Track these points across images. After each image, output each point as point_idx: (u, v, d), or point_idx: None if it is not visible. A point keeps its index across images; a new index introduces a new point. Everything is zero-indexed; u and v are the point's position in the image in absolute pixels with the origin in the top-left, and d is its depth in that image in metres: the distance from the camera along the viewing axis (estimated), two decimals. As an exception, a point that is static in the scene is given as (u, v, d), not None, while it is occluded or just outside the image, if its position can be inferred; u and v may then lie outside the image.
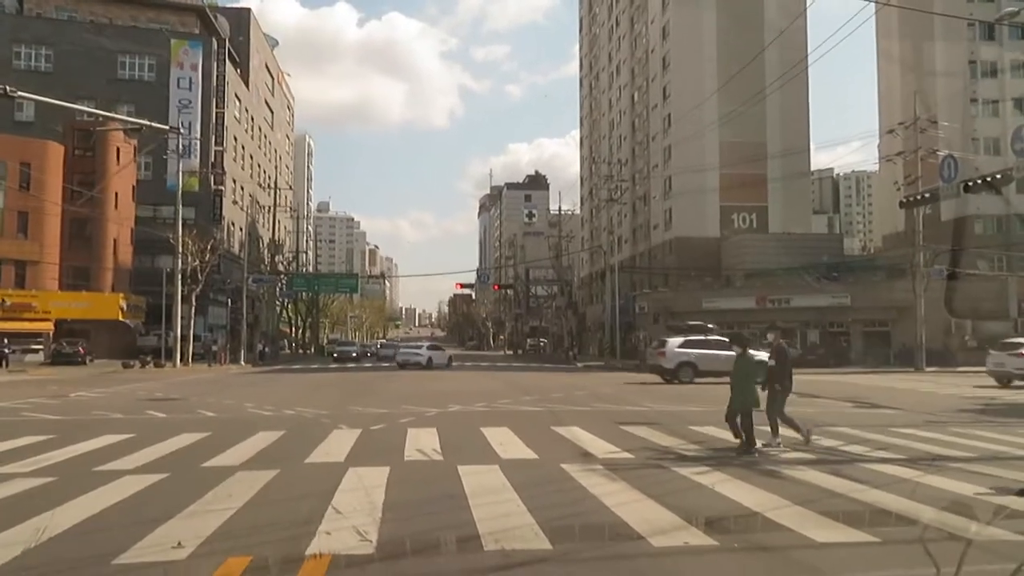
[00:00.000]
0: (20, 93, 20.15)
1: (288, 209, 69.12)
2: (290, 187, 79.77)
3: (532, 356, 68.77)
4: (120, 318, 43.18)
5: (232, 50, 59.11)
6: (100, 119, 41.37)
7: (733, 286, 50.03)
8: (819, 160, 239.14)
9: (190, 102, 51.62)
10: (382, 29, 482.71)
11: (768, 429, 10.40)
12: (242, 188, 62.14)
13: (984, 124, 53.03)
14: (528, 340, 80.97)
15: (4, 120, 46.43)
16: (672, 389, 23.32)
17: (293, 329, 74.68)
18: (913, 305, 36.19)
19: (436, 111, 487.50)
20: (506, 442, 10.72)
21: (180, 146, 39.99)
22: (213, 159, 54.08)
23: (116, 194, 44.86)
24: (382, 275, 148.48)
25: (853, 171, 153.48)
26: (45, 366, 37.13)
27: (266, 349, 54.19)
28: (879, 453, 10.04)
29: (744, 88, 49.42)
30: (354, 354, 53.82)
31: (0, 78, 37.75)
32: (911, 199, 25.16)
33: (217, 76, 54.48)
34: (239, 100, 61.20)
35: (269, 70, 74.98)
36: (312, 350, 71.33)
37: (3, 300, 39.27)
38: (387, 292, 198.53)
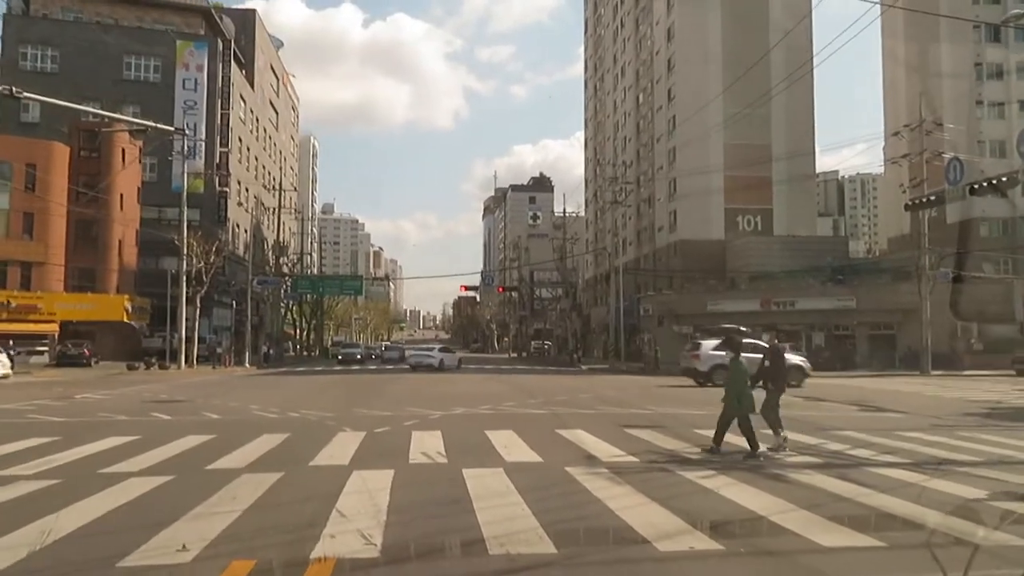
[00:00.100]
0: (26, 94, 20.20)
1: (293, 211, 69.26)
2: (295, 189, 79.95)
3: (536, 358, 68.74)
4: (125, 320, 43.24)
5: (237, 51, 59.25)
6: (105, 120, 41.46)
7: (738, 289, 49.94)
8: (824, 162, 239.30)
9: (195, 103, 51.76)
10: (387, 30, 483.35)
11: (770, 432, 10.39)
12: (247, 190, 62.25)
13: (990, 126, 52.96)
14: (532, 342, 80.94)
15: (10, 121, 46.59)
16: (677, 392, 23.29)
17: (297, 331, 74.78)
18: (918, 308, 36.10)
19: (441, 112, 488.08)
20: (510, 445, 10.71)
21: (185, 147, 40.12)
22: (218, 160, 54.21)
23: (121, 195, 44.97)
24: (386, 277, 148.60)
25: (858, 173, 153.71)
26: (50, 368, 37.19)
27: (270, 351, 54.30)
28: (885, 457, 10.00)
29: (749, 90, 49.42)
30: (358, 356, 53.89)
31: (6, 79, 37.89)
32: (917, 201, 25.17)
33: (222, 77, 54.62)
34: (244, 101, 61.34)
35: (274, 71, 75.13)
36: (317, 352, 71.45)
37: (8, 302, 39.41)
38: (391, 294, 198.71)
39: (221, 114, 54.57)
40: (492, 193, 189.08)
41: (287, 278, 59.90)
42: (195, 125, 49.14)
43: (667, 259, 59.80)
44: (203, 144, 50.15)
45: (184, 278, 37.85)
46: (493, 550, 5.23)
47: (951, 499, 7.06)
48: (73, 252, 43.09)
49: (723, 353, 25.33)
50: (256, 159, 66.36)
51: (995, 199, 33.72)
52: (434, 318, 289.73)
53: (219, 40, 55.65)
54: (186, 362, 37.75)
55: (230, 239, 55.52)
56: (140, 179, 48.09)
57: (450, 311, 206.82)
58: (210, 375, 33.81)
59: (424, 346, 48.44)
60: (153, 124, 31.09)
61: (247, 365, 43.49)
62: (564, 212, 67.40)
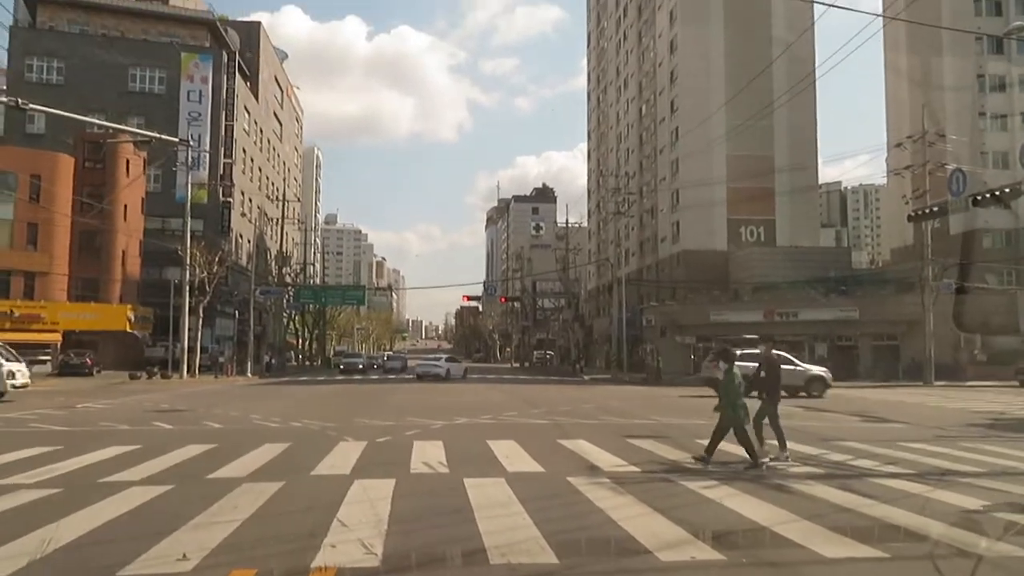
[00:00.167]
0: (32, 105, 20.35)
1: (296, 221, 69.40)
2: (298, 199, 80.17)
3: (539, 369, 68.68)
4: (128, 329, 43.30)
5: (242, 63, 59.57)
6: (110, 131, 41.59)
7: (741, 299, 49.88)
8: (827, 173, 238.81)
9: (200, 115, 51.99)
10: (391, 42, 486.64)
11: (775, 443, 10.38)
12: (250, 200, 62.44)
13: (993, 138, 52.97)
14: (535, 353, 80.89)
15: (15, 132, 46.86)
16: (680, 402, 23.23)
17: (300, 341, 74.82)
18: (922, 319, 36.03)
19: (445, 124, 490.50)
20: (512, 455, 10.69)
21: (189, 158, 40.20)
22: (222, 171, 54.42)
23: (125, 206, 45.15)
24: (389, 287, 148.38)
25: (861, 184, 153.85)
26: (52, 377, 37.22)
27: (273, 361, 54.31)
28: (888, 468, 9.97)
29: (752, 102, 49.54)
30: (361, 366, 53.90)
31: (12, 91, 38.15)
32: (919, 213, 25.12)
33: (227, 89, 54.91)
34: (248, 113, 61.61)
35: (278, 83, 75.50)
36: (319, 362, 71.42)
37: (12, 311, 39.51)
38: (394, 304, 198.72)
39: (225, 125, 54.83)
40: (495, 204, 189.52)
41: (290, 288, 59.99)
42: (199, 136, 49.31)
43: (670, 270, 59.79)
44: (207, 155, 50.30)
45: (187, 288, 37.90)
46: (494, 560, 5.21)
47: (954, 510, 7.04)
48: (77, 262, 43.21)
49: (747, 365, 25.35)
50: (260, 170, 66.59)
51: (998, 210, 33.61)
52: (437, 328, 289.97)
53: (224, 52, 55.96)
54: (188, 372, 37.74)
55: (233, 249, 55.65)
56: (144, 190, 48.27)
57: (452, 321, 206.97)
58: (212, 385, 33.79)
59: (431, 356, 48.53)
60: (157, 135, 31.17)
61: (249, 375, 43.49)
62: (567, 223, 67.49)
